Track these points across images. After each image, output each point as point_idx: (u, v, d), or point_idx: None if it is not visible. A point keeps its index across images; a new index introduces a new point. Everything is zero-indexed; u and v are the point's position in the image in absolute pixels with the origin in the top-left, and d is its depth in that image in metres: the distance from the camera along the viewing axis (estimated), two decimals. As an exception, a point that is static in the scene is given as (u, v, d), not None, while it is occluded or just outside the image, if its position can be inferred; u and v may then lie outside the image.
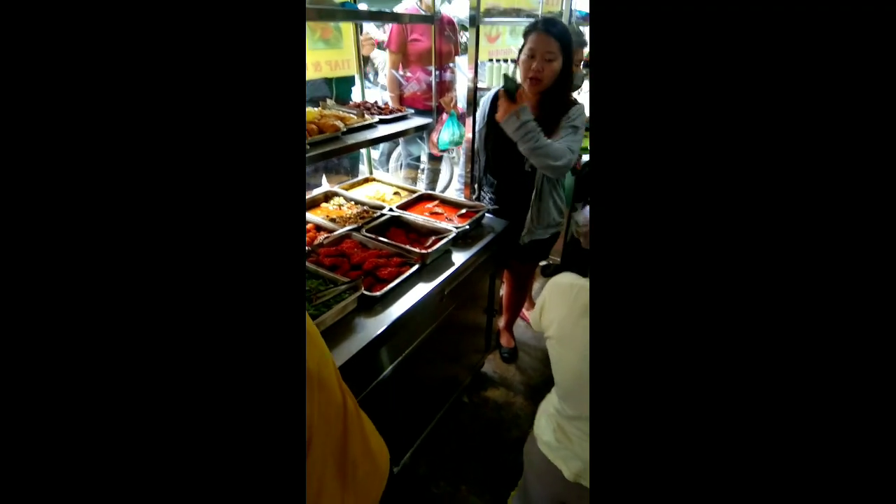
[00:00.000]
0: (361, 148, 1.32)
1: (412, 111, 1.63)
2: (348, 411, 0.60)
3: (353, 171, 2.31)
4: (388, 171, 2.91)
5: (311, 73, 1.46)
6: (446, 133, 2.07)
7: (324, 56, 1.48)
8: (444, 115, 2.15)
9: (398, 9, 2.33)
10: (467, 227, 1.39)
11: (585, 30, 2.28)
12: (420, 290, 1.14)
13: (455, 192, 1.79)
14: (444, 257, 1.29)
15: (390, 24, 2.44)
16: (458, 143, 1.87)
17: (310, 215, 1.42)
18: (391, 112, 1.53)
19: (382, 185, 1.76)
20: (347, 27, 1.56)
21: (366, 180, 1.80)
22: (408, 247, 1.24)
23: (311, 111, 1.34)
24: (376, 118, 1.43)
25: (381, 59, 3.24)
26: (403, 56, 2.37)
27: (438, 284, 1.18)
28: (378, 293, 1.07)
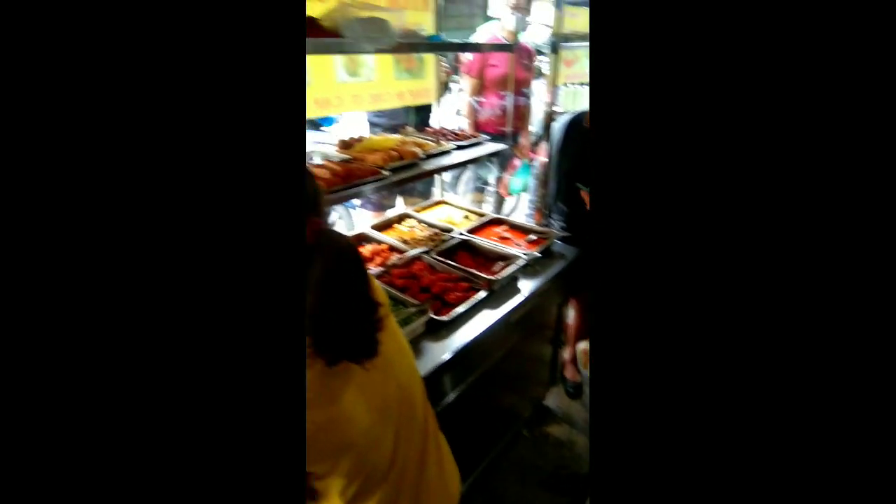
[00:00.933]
0: (438, 173, 1.36)
1: (486, 137, 1.65)
2: (429, 431, 0.61)
3: (426, 193, 2.38)
4: (457, 193, 2.97)
5: (394, 102, 1.55)
6: (518, 180, 2.07)
7: (407, 86, 1.56)
8: (517, 161, 2.14)
9: (478, 37, 2.41)
10: (538, 254, 1.36)
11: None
12: (486, 317, 1.13)
13: (523, 217, 1.76)
14: (511, 284, 1.27)
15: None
16: (526, 191, 1.87)
17: (384, 236, 1.49)
18: (466, 138, 1.56)
19: (453, 209, 1.79)
20: (430, 58, 1.64)
21: (437, 203, 1.84)
22: (475, 271, 1.24)
23: (393, 138, 1.41)
24: (453, 144, 1.47)
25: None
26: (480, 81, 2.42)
27: (506, 314, 1.16)
28: (445, 318, 1.07)
